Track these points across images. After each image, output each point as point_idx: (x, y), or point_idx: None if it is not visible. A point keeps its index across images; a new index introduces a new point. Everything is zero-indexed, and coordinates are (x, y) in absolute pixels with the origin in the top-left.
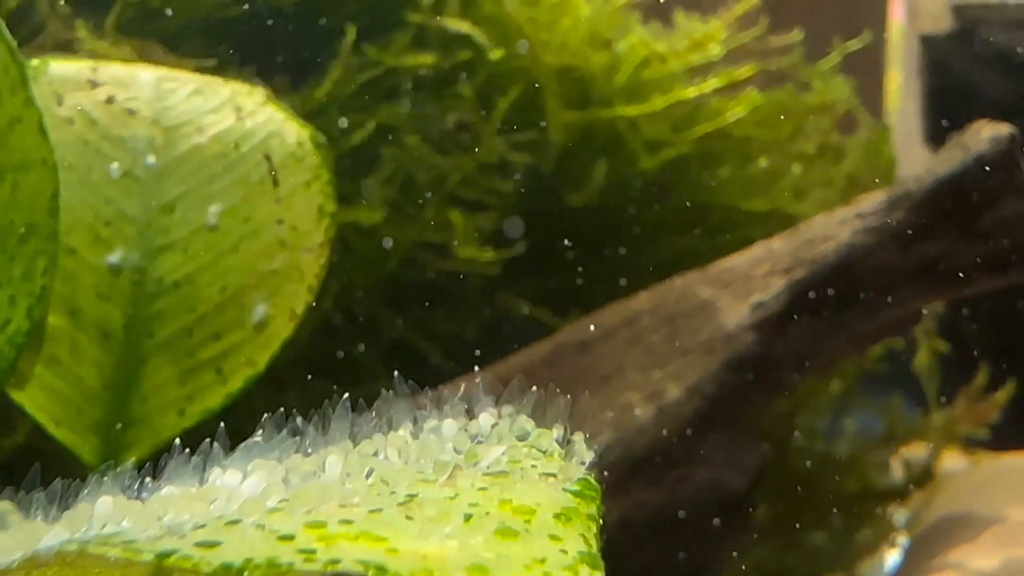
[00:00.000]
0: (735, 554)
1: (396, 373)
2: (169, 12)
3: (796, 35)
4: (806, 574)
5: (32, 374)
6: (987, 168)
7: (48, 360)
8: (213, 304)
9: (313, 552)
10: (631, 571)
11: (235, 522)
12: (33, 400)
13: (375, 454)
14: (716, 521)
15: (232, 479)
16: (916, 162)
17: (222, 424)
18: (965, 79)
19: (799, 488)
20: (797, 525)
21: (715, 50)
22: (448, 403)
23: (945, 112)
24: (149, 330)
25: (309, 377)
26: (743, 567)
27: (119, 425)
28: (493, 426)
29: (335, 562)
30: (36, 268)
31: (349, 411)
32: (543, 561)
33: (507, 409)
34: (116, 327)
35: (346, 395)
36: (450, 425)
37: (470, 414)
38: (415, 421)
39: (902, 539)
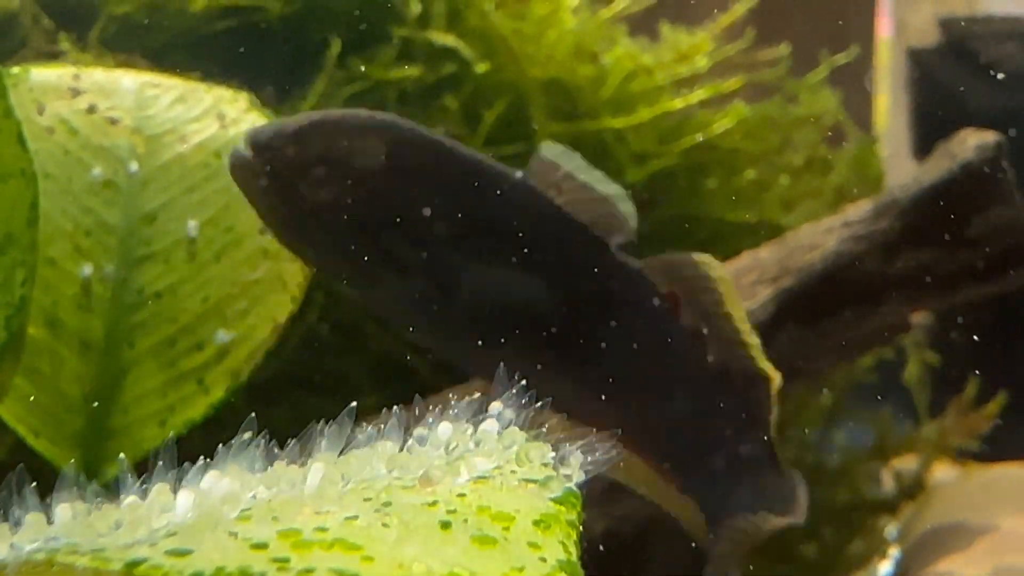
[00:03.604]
0: (725, 565)
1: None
2: (153, 26)
3: (783, 49)
4: None
5: (11, 385)
6: (973, 176)
7: (28, 371)
8: (195, 314)
9: (287, 561)
10: None
11: (207, 530)
12: (12, 412)
13: (363, 464)
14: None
15: (205, 483)
16: (904, 175)
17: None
18: (953, 92)
19: None
20: (787, 537)
21: (701, 62)
22: (448, 411)
23: (933, 125)
24: (130, 341)
25: (296, 391)
26: None
27: (100, 437)
28: (479, 434)
29: (309, 571)
30: (15, 279)
31: (342, 423)
32: (521, 570)
33: (508, 413)
34: (97, 338)
35: (332, 410)
36: (445, 429)
37: (476, 421)
38: (407, 431)
39: (893, 551)
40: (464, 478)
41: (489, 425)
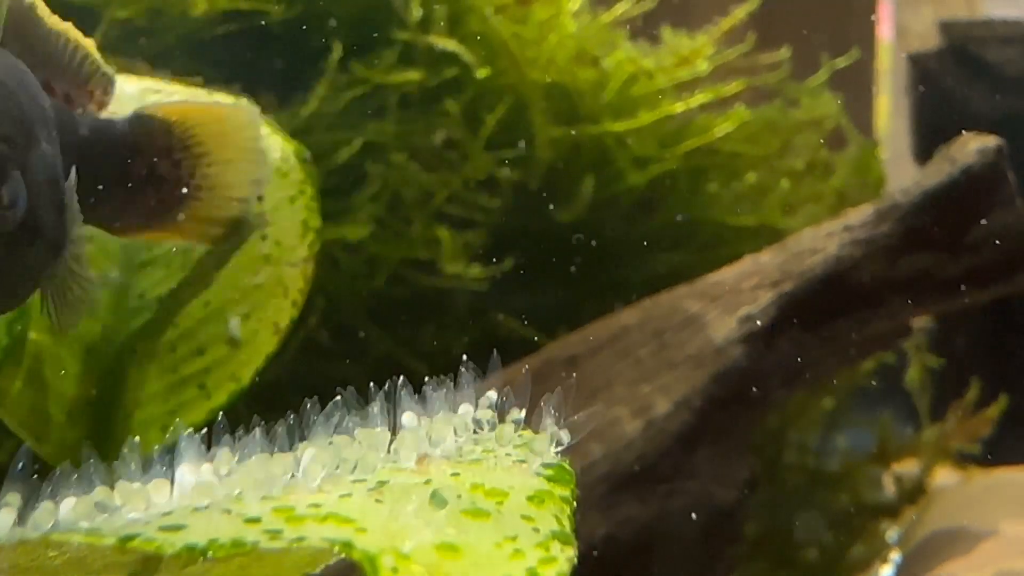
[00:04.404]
0: (726, 569)
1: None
2: (154, 31)
3: (784, 52)
4: None
5: (13, 390)
6: (975, 180)
7: (29, 376)
8: (196, 319)
9: (279, 532)
10: None
11: (200, 508)
12: (14, 416)
13: (348, 447)
14: (705, 536)
15: (189, 475)
16: (905, 179)
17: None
18: (954, 96)
19: (791, 504)
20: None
21: (702, 66)
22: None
23: (934, 129)
24: (132, 346)
25: (297, 395)
26: None
27: (101, 442)
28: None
29: (300, 540)
30: None
31: (330, 412)
32: (514, 539)
33: (484, 401)
34: (98, 342)
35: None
36: (410, 417)
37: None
38: (395, 417)
39: (894, 555)
40: (446, 447)
41: (464, 409)
